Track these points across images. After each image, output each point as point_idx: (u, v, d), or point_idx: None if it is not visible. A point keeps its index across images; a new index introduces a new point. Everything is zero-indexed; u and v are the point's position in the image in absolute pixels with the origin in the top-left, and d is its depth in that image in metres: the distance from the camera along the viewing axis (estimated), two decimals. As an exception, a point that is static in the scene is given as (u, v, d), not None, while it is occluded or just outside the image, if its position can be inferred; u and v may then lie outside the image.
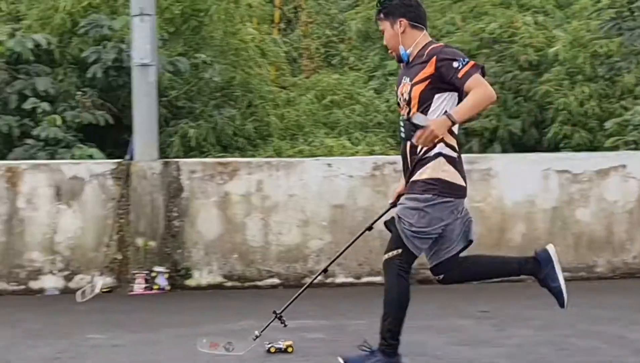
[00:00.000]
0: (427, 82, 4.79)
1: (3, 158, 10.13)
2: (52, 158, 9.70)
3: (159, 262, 7.77)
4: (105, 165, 7.98)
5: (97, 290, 7.46)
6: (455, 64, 4.71)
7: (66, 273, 7.65)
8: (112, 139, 10.82)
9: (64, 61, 11.42)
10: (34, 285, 7.60)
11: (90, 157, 9.85)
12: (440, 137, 4.66)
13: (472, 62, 4.73)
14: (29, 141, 10.38)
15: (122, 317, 6.79)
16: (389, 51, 5.04)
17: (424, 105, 4.81)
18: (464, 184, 4.87)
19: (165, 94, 11.13)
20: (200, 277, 7.86)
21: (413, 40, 4.89)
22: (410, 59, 4.87)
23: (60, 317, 6.77)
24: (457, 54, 4.79)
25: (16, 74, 10.96)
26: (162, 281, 7.73)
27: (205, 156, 10.73)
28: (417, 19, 4.92)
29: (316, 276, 5.43)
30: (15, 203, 7.61)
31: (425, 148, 4.76)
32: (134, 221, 7.79)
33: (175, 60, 11.24)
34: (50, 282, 7.62)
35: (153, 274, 7.72)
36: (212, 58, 11.86)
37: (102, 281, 7.57)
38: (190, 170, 7.96)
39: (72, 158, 9.76)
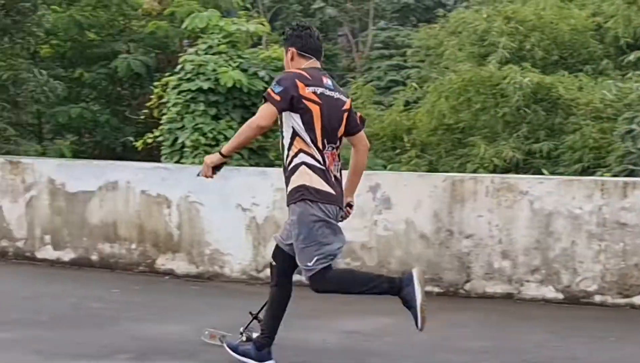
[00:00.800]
0: None
1: None
2: None
3: None
4: None
5: None
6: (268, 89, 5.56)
7: None
8: None
9: None
10: None
11: None
12: (211, 166, 5.62)
13: (269, 91, 5.53)
14: None
15: None
16: None
17: (280, 122, 5.68)
18: (331, 191, 5.55)
19: None
20: None
21: (299, 67, 5.72)
22: None
23: None
24: (279, 78, 5.60)
25: None
26: None
27: None
28: (305, 49, 5.77)
29: None
30: None
31: (289, 160, 5.57)
32: None
33: None
34: None
35: None
36: None
37: None
38: None
39: None
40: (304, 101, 5.57)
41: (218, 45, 13.86)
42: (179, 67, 13.86)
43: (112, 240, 9.54)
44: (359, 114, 5.96)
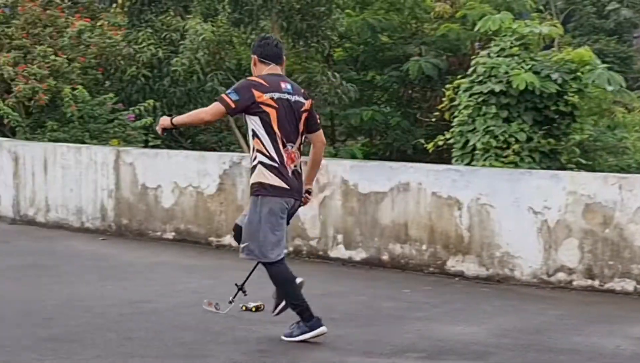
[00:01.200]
0: None
1: None
2: None
3: None
4: None
5: None
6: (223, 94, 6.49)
7: None
8: None
9: None
10: None
11: None
12: (161, 127, 6.50)
13: (224, 96, 6.43)
14: None
15: None
16: None
17: (245, 124, 6.60)
18: (285, 186, 6.40)
19: None
20: None
21: (260, 72, 6.57)
22: None
23: None
24: (236, 86, 6.50)
25: None
26: None
27: None
28: (264, 56, 6.59)
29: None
30: None
31: (252, 159, 6.48)
32: None
33: None
34: None
35: None
36: None
37: None
38: None
39: None
40: (261, 106, 6.38)
41: (510, 47, 13.83)
42: (470, 69, 13.95)
43: (403, 240, 9.71)
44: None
